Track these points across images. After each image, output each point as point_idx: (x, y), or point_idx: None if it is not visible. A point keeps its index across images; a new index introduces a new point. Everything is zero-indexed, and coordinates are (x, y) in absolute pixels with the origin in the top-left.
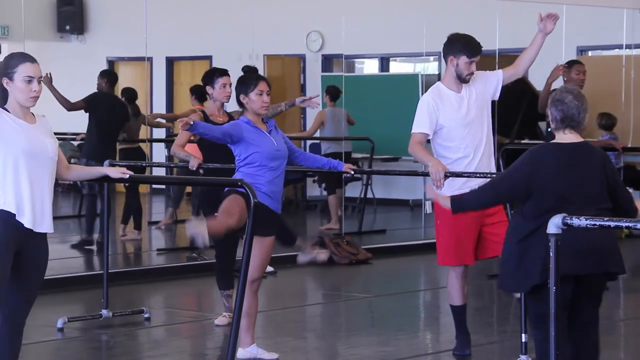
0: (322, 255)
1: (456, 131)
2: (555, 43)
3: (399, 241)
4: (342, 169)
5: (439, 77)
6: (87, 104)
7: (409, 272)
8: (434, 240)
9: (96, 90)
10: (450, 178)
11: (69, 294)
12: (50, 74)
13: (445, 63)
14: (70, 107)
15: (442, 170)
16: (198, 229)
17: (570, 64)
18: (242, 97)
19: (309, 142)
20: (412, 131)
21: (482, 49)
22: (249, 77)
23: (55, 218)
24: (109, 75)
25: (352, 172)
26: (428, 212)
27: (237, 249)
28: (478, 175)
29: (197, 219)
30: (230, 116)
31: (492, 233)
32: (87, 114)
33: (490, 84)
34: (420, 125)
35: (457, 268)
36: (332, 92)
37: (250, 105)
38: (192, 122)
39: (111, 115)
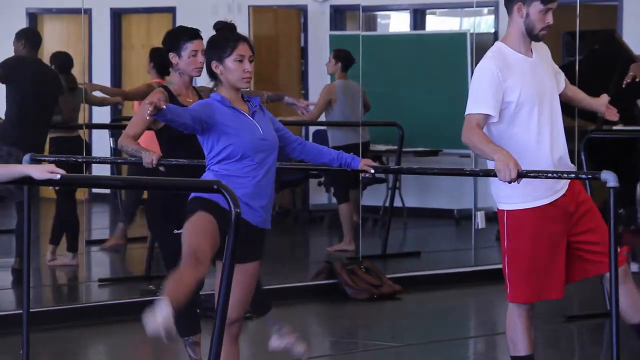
0: (301, 348)
1: (529, 110)
2: None
3: (439, 268)
4: (359, 167)
5: (495, 37)
6: (4, 70)
7: (453, 312)
8: (490, 267)
9: (14, 55)
10: (525, 180)
11: None
12: None
13: (508, 15)
14: None
15: (514, 167)
16: (156, 320)
17: None
18: (214, 64)
19: (311, 129)
20: (468, 112)
21: None
22: (224, 38)
23: None
24: (27, 36)
25: (373, 171)
26: (480, 227)
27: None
28: (564, 176)
29: (150, 310)
30: (200, 96)
31: (585, 243)
32: (4, 86)
33: (558, 77)
34: (481, 103)
35: (524, 305)
36: (344, 59)
37: (226, 76)
38: (164, 107)
39: (38, 87)
